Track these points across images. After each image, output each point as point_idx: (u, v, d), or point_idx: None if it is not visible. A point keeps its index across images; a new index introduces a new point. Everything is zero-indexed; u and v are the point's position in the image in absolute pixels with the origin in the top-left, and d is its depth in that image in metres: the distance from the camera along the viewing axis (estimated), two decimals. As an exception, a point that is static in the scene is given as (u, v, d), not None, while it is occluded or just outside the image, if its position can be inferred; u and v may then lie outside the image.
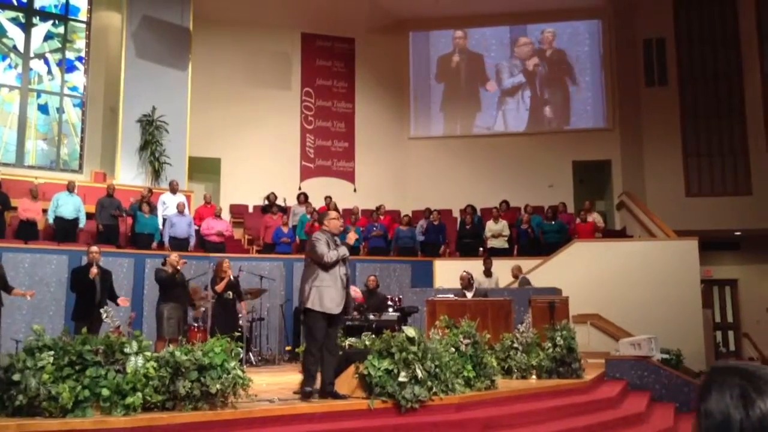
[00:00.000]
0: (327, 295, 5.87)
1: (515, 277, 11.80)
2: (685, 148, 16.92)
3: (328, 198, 14.65)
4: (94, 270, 8.43)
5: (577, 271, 12.17)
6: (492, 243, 13.59)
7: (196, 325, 10.21)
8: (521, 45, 18.00)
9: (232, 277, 9.67)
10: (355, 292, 6.26)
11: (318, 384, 5.91)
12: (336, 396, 5.76)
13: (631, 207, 15.47)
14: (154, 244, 12.07)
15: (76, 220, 11.92)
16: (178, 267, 9.23)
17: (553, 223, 13.79)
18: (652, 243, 13.21)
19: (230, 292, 9.61)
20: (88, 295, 8.41)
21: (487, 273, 11.54)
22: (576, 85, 17.64)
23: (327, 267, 5.91)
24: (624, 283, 12.21)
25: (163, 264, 9.43)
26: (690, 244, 12.54)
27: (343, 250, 6.01)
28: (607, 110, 17.35)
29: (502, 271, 12.11)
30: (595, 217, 14.09)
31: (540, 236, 13.69)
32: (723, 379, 1.34)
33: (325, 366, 5.92)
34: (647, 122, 17.03)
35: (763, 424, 1.27)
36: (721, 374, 1.35)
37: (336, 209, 14.21)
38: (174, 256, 9.39)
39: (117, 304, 8.70)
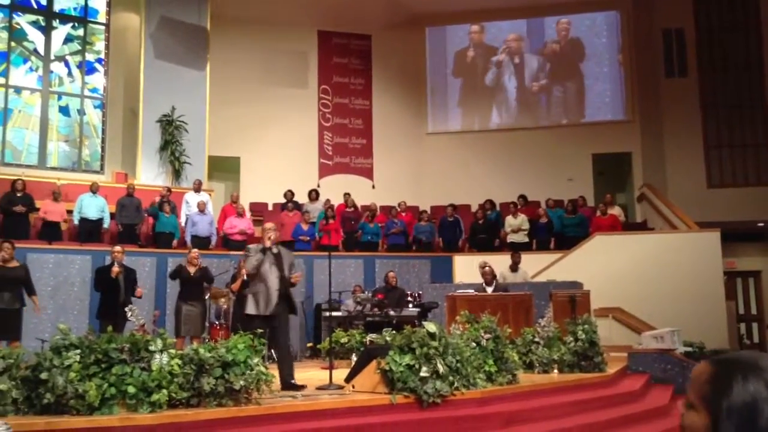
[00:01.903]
0: (258, 300, 6.57)
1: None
2: (706, 139, 16.75)
3: (346, 195, 14.68)
4: (115, 269, 8.54)
5: (599, 265, 12.10)
6: (512, 238, 13.56)
7: (218, 322, 10.29)
8: (508, 41, 17.95)
9: (245, 277, 9.71)
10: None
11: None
12: (295, 387, 6.11)
13: (652, 199, 15.34)
14: (175, 243, 12.19)
15: (100, 221, 12.06)
16: (194, 264, 9.29)
17: (574, 216, 13.73)
18: (673, 235, 13.09)
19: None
20: (111, 294, 8.54)
21: (514, 268, 11.43)
22: (597, 70, 17.49)
23: (253, 276, 6.64)
24: (646, 276, 12.12)
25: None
26: (712, 235, 12.42)
27: (259, 257, 6.59)
28: (627, 102, 17.21)
29: (524, 265, 12.03)
30: (616, 211, 14.00)
31: (560, 228, 13.64)
32: (740, 371, 1.31)
33: (278, 362, 6.51)
34: (667, 113, 16.88)
35: None
36: (735, 366, 1.32)
37: (354, 205, 14.29)
38: (193, 254, 9.44)
39: (137, 297, 8.82)
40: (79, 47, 15.25)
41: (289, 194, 14.27)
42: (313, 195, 14.46)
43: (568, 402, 6.57)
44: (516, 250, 12.21)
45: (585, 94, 17.53)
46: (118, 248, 8.92)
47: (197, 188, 13.36)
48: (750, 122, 16.68)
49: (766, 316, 16.69)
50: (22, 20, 14.70)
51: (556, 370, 7.67)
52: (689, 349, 9.79)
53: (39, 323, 9.75)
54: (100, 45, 15.45)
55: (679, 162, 16.57)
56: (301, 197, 14.47)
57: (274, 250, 6.73)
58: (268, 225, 7.02)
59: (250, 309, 6.59)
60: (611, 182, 16.93)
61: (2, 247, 8.21)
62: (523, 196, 14.76)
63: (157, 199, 12.61)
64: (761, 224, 16.32)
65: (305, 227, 13.20)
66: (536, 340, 7.85)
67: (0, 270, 8.11)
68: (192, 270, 9.26)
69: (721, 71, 16.90)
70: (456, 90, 18.14)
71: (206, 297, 9.86)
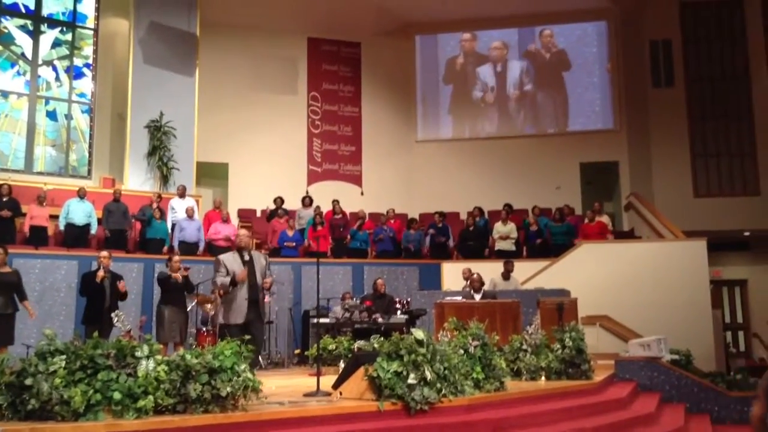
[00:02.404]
0: (230, 309, 6.67)
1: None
2: (692, 149, 16.89)
3: (335, 201, 14.68)
4: (100, 273, 8.49)
5: (586, 273, 12.15)
6: (500, 245, 13.58)
7: (204, 328, 10.24)
8: (493, 48, 18.06)
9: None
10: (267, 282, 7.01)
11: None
12: None
13: (639, 208, 15.43)
14: (165, 249, 12.15)
15: (87, 226, 11.98)
16: (177, 272, 9.17)
17: (561, 224, 13.79)
18: (660, 244, 13.17)
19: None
20: (97, 299, 8.48)
21: (506, 276, 11.43)
22: (587, 79, 17.59)
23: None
24: (633, 284, 12.18)
25: (167, 266, 9.42)
26: (698, 244, 12.50)
27: (226, 282, 6.62)
28: (614, 111, 17.32)
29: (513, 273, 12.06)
30: (605, 219, 14.07)
31: (548, 237, 13.71)
32: None
33: None
34: (654, 123, 17.01)
35: None
36: None
37: (342, 212, 14.28)
38: (175, 261, 9.32)
39: (120, 291, 8.62)
40: (68, 52, 15.18)
41: (279, 201, 14.26)
42: (307, 201, 14.47)
43: (556, 409, 6.58)
44: (505, 257, 12.24)
45: (573, 103, 17.63)
46: (104, 253, 8.85)
47: (181, 194, 13.31)
48: (736, 132, 16.84)
49: (752, 325, 16.81)
50: (10, 24, 14.63)
51: (543, 378, 7.68)
52: (676, 357, 9.82)
53: (24, 329, 9.64)
54: (88, 50, 15.39)
55: (665, 171, 16.69)
56: (290, 204, 14.46)
57: (246, 257, 6.79)
58: (241, 231, 7.15)
59: (222, 318, 6.75)
60: (598, 191, 17.01)
61: (-5, 252, 8.16)
62: (508, 205, 14.75)
63: (154, 205, 12.57)
64: (747, 233, 16.47)
65: (290, 233, 13.18)
66: (524, 347, 7.86)
67: (-7, 275, 8.06)
68: (178, 277, 9.18)
69: (708, 81, 17.06)
70: (446, 98, 18.20)
71: (191, 303, 9.79)
